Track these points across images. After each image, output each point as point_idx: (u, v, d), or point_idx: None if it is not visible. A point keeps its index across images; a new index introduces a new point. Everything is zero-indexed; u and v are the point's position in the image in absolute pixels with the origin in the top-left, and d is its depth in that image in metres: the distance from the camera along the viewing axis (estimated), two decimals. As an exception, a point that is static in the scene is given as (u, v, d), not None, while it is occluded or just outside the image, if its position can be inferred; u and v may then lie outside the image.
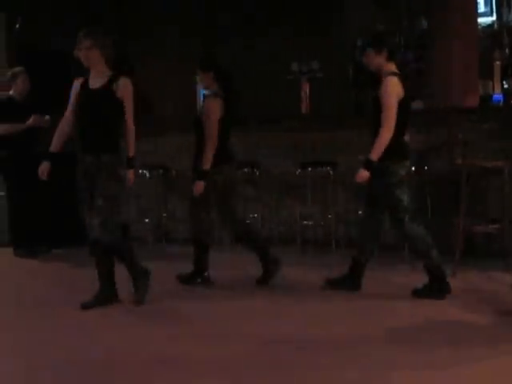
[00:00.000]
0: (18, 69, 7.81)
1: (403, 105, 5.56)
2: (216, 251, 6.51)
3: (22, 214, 7.80)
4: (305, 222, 7.82)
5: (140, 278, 5.71)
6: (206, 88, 6.31)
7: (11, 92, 7.78)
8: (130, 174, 5.65)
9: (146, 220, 8.47)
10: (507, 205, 6.42)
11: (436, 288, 5.60)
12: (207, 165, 5.95)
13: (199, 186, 5.99)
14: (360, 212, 7.46)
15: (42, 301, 5.95)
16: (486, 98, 9.12)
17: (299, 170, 7.61)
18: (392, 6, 10.50)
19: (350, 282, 5.91)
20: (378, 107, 5.54)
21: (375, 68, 5.69)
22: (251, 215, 7.84)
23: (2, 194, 8.21)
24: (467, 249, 6.60)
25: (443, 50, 8.08)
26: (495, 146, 6.91)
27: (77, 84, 5.67)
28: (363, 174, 5.55)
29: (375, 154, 5.49)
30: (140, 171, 7.95)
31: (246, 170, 7.82)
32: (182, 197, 7.83)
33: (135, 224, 8.57)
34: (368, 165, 5.53)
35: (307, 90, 8.96)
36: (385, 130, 5.46)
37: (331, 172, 7.52)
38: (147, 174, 8.06)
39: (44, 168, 5.67)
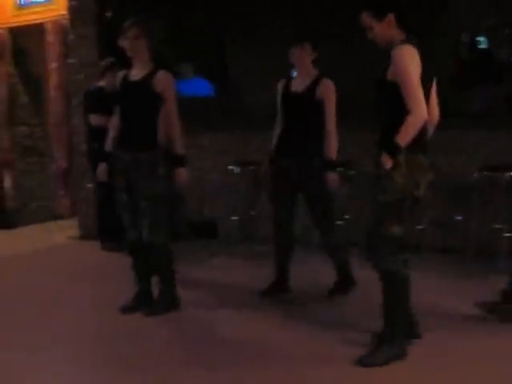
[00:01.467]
0: (108, 60, 7.74)
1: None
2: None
3: (109, 207, 7.73)
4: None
5: (168, 291, 5.52)
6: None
7: (102, 83, 7.72)
8: (181, 173, 5.43)
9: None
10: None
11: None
12: None
13: None
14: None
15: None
16: None
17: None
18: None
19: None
20: (387, 90, 4.28)
21: (383, 40, 4.38)
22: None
23: (91, 185, 8.20)
24: None
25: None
26: None
27: (120, 75, 5.49)
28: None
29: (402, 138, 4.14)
30: (229, 167, 7.76)
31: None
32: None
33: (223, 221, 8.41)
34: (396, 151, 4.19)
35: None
36: (414, 114, 4.11)
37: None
38: (235, 170, 7.83)
39: (100, 170, 5.58)
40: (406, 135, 4.11)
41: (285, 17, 9.51)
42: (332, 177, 5.50)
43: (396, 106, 4.15)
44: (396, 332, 4.33)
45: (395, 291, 4.30)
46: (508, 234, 6.48)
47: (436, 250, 7.07)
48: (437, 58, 9.65)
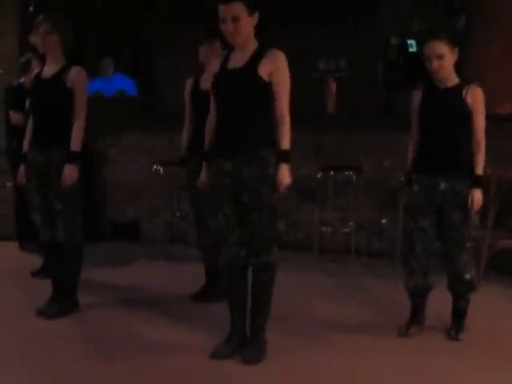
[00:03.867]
0: (28, 56, 7.49)
1: None
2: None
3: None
4: (324, 229, 7.44)
5: (64, 297, 5.39)
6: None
7: (22, 79, 7.47)
8: (68, 169, 5.13)
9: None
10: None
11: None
12: None
13: None
14: (383, 221, 7.22)
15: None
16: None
17: (320, 174, 7.22)
18: (431, 3, 10.08)
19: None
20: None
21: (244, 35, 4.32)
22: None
23: (10, 185, 7.98)
24: (492, 264, 6.27)
25: (479, 53, 7.68)
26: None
27: (34, 72, 5.39)
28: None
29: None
30: (154, 167, 7.62)
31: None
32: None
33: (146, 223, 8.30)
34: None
35: (334, 90, 8.60)
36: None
37: (354, 177, 7.13)
38: (161, 171, 7.69)
39: (21, 172, 5.48)
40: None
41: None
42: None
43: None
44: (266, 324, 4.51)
45: (272, 283, 4.46)
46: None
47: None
48: (366, 60, 9.85)
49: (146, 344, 4.78)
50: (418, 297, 4.94)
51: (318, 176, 7.22)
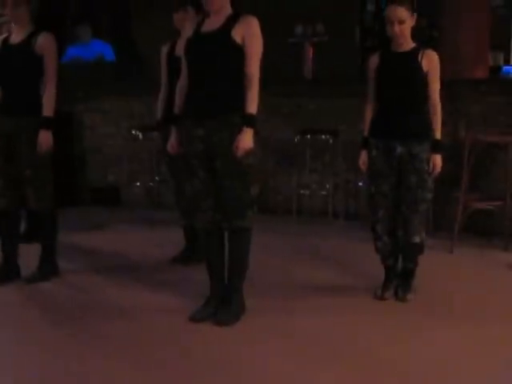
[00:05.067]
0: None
1: None
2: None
3: None
4: (302, 192, 7.55)
5: (49, 259, 5.41)
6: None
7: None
8: (42, 136, 5.06)
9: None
10: (511, 182, 6.14)
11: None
12: None
13: None
14: (360, 183, 7.33)
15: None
16: (496, 70, 8.80)
17: (298, 137, 7.32)
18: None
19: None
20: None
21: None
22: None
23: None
24: (467, 225, 6.40)
25: (453, 18, 7.73)
26: (503, 120, 6.61)
27: (2, 38, 5.28)
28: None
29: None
30: (133, 132, 7.68)
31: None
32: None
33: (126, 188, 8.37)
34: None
35: (311, 54, 8.65)
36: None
37: (331, 141, 7.24)
38: (140, 136, 7.75)
39: None
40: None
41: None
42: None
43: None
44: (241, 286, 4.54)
45: (248, 245, 4.47)
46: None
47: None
48: (343, 26, 9.88)
49: (124, 307, 4.78)
50: (389, 259, 5.00)
51: (296, 140, 7.32)
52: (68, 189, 8.17)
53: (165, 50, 5.84)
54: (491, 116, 6.68)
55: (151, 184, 8.02)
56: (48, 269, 5.41)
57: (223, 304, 4.49)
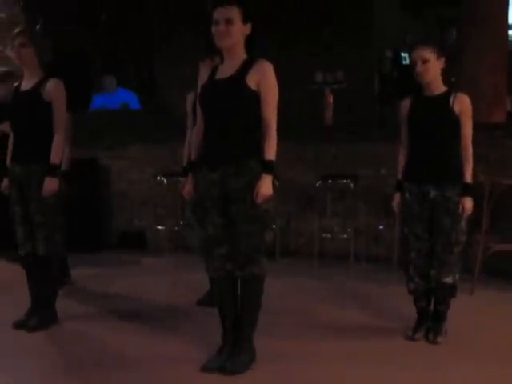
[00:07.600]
0: (1, 71, 7.45)
1: None
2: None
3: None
4: (324, 235, 7.67)
5: (45, 307, 5.34)
6: None
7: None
8: (48, 182, 5.10)
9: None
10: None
11: None
12: None
13: None
14: (381, 227, 7.45)
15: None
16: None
17: (319, 182, 7.45)
18: (423, 17, 10.32)
19: None
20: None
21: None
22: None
23: None
24: (487, 268, 6.46)
25: (471, 63, 7.90)
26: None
27: (15, 85, 5.36)
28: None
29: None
30: (158, 178, 7.84)
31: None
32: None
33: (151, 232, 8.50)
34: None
35: (331, 101, 8.80)
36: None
37: (352, 185, 7.36)
38: (165, 181, 7.91)
39: (4, 185, 5.40)
40: None
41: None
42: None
43: None
44: (253, 334, 4.45)
45: (260, 294, 4.40)
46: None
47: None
48: (362, 73, 10.07)
49: (135, 356, 4.72)
50: (421, 300, 5.02)
51: (317, 184, 7.45)
52: (95, 233, 8.36)
53: (190, 98, 5.98)
54: (508, 159, 6.80)
55: (176, 228, 8.16)
56: (47, 316, 5.35)
57: (234, 352, 4.40)
